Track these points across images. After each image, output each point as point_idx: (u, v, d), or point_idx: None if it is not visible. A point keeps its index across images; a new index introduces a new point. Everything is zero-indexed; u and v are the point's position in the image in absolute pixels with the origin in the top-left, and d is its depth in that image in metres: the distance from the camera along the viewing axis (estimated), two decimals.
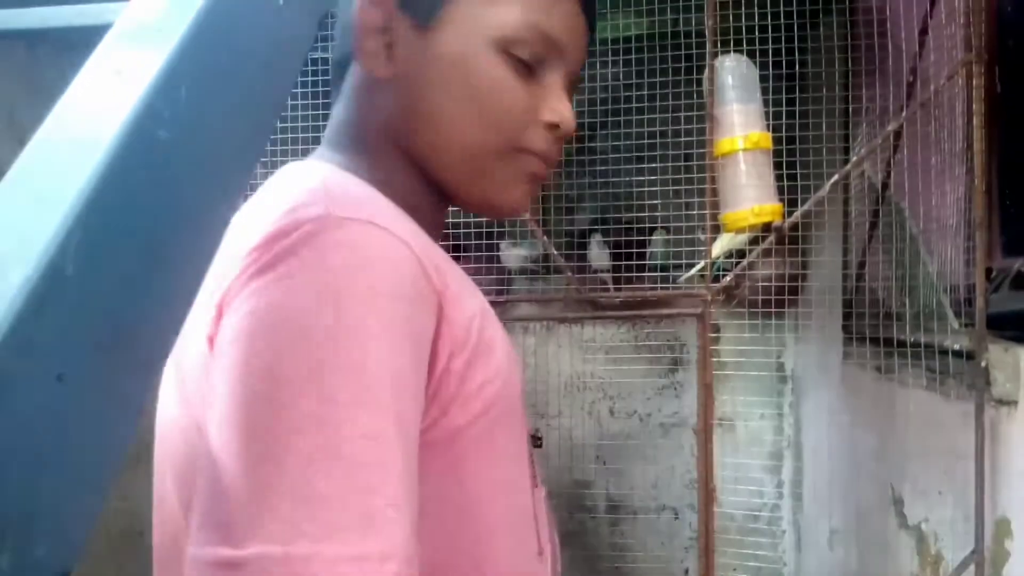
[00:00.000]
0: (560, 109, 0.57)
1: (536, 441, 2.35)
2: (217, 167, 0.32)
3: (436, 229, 0.60)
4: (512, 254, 2.28)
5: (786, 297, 1.90)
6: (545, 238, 1.63)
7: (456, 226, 1.90)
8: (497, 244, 2.31)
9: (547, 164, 0.59)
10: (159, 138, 0.28)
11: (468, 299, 0.51)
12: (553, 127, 0.57)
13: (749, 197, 1.41)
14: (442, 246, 0.56)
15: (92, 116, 0.27)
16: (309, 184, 0.48)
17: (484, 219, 1.76)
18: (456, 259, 0.56)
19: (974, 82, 1.32)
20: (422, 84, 0.56)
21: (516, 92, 0.55)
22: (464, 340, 0.48)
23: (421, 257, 0.46)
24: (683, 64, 1.75)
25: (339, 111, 0.61)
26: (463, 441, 0.49)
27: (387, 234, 0.45)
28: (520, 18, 0.54)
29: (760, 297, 1.81)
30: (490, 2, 0.55)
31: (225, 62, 0.32)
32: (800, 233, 2.00)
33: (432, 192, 0.59)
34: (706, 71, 1.42)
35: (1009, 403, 1.21)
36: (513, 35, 0.55)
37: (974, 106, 1.32)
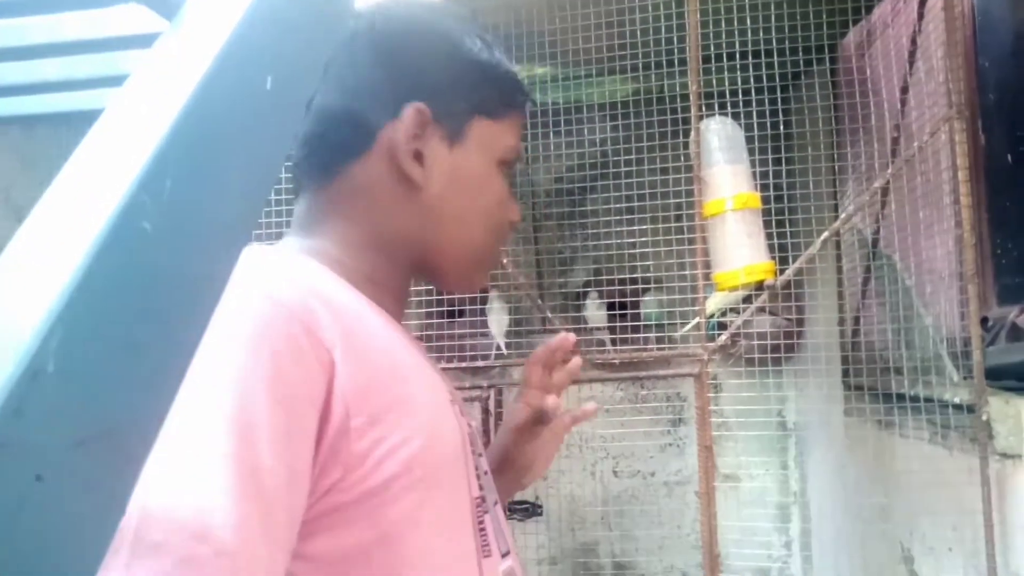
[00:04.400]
0: (518, 210, 0.71)
1: (535, 508, 2.30)
2: (202, 255, 0.31)
3: (398, 297, 0.67)
4: (494, 317, 2.24)
5: (782, 354, 1.90)
6: (540, 300, 1.63)
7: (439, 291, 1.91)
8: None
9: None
10: (143, 230, 0.28)
11: (376, 356, 0.53)
12: (513, 224, 0.70)
13: (740, 256, 1.42)
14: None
15: (77, 211, 0.27)
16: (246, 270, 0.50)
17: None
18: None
19: (956, 138, 1.34)
20: (449, 190, 0.64)
21: (506, 200, 0.68)
22: (363, 396, 0.49)
23: (309, 318, 0.49)
24: (669, 127, 1.79)
25: (328, 201, 0.64)
26: (381, 504, 0.49)
27: (271, 302, 0.48)
28: (513, 143, 0.68)
29: (756, 355, 1.80)
30: (497, 127, 0.67)
31: (212, 150, 0.32)
32: (794, 290, 2.01)
33: (399, 271, 0.66)
34: (692, 134, 1.45)
35: (1013, 456, 1.20)
36: (510, 157, 0.68)
37: (958, 160, 1.33)
